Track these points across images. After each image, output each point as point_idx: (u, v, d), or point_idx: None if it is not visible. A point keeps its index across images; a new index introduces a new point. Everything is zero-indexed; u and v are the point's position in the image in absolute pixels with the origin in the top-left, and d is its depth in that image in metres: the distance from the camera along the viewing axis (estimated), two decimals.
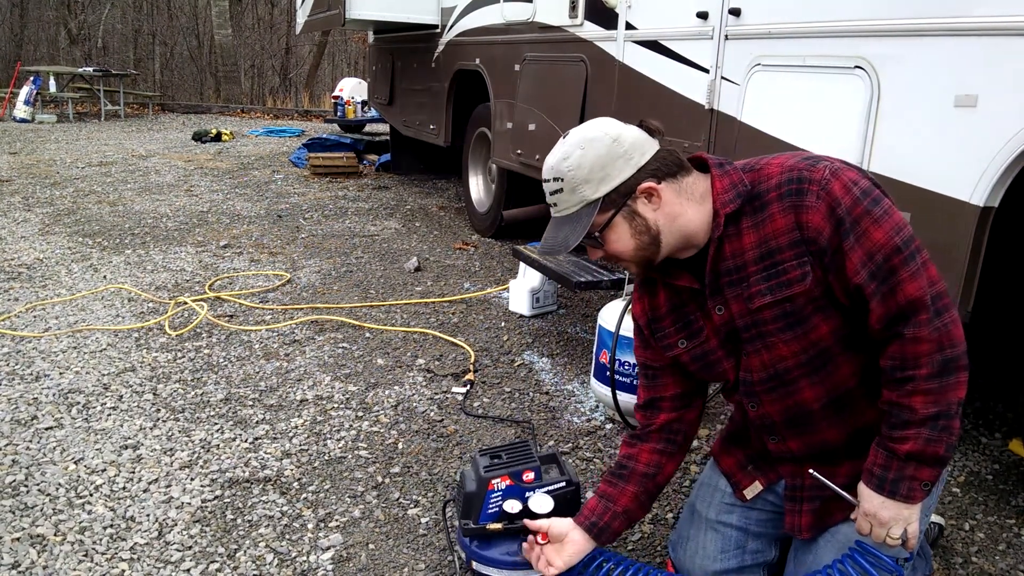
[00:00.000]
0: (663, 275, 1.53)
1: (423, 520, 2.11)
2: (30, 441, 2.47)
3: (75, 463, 2.35)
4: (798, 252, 1.35)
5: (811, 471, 1.48)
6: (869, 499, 1.37)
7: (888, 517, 1.35)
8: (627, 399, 2.44)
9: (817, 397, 1.45)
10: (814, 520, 1.54)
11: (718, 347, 1.51)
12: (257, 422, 2.64)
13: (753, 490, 1.64)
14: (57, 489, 2.21)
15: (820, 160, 1.36)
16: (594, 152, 1.39)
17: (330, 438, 2.54)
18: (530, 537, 1.68)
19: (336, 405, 2.77)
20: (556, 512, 1.73)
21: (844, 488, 1.44)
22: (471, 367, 3.09)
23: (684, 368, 1.60)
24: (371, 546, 2.00)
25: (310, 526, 2.08)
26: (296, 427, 2.61)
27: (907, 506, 1.35)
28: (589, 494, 2.21)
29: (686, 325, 1.54)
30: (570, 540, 1.62)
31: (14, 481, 2.24)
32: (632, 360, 2.39)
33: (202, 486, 2.25)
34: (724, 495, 1.68)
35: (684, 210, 1.41)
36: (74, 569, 1.89)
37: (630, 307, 1.67)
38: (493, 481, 1.77)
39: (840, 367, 1.42)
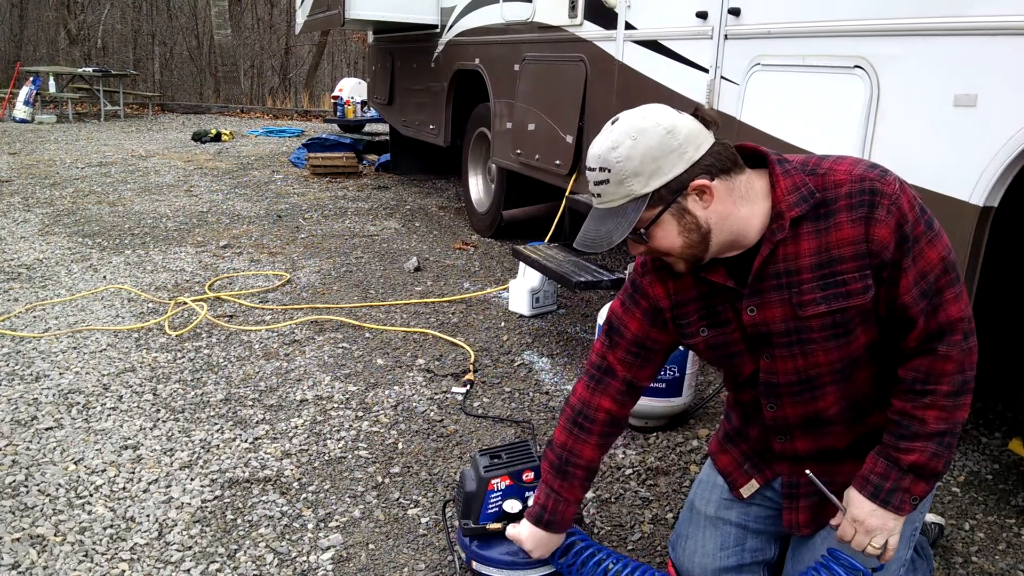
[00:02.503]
0: (698, 268, 1.45)
1: (423, 520, 2.11)
2: (30, 441, 2.47)
3: (75, 463, 2.35)
4: (861, 264, 1.32)
5: (808, 472, 1.48)
6: (860, 505, 1.39)
7: (875, 525, 1.37)
8: None
9: (836, 402, 1.45)
10: (812, 517, 1.54)
11: (740, 340, 1.47)
12: (257, 422, 2.64)
13: (750, 488, 1.64)
14: (57, 489, 2.21)
15: (888, 172, 1.33)
16: (646, 143, 1.29)
17: (330, 438, 2.54)
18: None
19: (336, 405, 2.77)
20: None
21: (839, 488, 1.45)
22: (471, 367, 3.09)
23: (666, 353, 1.61)
24: (371, 546, 2.00)
25: (310, 526, 2.08)
26: (296, 427, 2.61)
27: (895, 517, 1.37)
28: (590, 494, 2.21)
29: (712, 314, 1.48)
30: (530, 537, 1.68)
31: (14, 481, 2.24)
32: None
33: (202, 486, 2.25)
34: (723, 491, 1.68)
35: (736, 209, 1.34)
36: (74, 569, 1.89)
37: (638, 284, 1.57)
38: (493, 481, 1.77)
39: (860, 373, 1.43)
